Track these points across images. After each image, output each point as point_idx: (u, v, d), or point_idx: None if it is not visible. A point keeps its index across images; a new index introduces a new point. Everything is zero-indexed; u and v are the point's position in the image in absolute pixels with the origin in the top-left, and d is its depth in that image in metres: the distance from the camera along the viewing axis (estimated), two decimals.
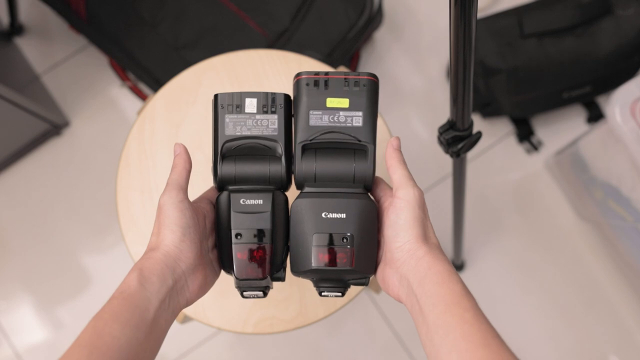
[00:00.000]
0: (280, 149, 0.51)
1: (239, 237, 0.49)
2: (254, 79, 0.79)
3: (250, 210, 0.49)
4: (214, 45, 1.16)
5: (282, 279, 0.52)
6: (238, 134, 0.51)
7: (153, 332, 0.44)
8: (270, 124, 0.51)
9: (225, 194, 0.51)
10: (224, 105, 0.51)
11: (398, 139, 0.51)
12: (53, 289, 1.28)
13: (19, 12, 1.33)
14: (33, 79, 1.34)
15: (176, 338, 1.24)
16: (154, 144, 0.78)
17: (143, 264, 0.46)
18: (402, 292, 0.47)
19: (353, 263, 0.48)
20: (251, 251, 0.49)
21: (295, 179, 0.51)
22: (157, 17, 1.18)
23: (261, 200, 0.50)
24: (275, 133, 0.51)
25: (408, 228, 0.47)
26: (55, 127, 1.30)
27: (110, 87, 1.35)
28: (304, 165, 0.50)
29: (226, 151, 0.51)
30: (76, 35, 1.34)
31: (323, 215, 0.49)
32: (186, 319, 0.80)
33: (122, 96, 1.35)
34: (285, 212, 0.51)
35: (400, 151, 0.51)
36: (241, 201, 0.50)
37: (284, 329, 0.72)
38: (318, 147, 0.50)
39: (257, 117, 0.51)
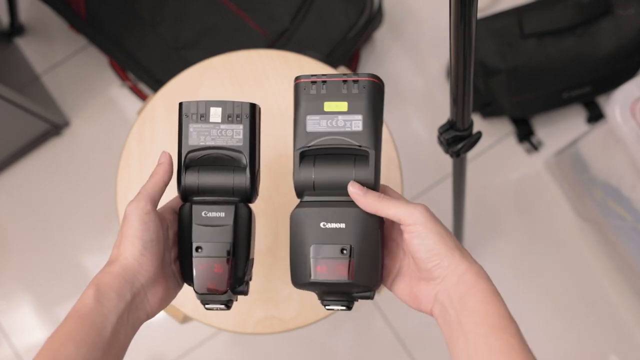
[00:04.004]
0: (244, 160, 0.50)
1: (199, 250, 0.48)
2: (253, 79, 0.79)
3: (211, 223, 0.48)
4: (214, 45, 1.16)
5: (245, 293, 0.51)
6: (202, 143, 0.49)
7: (112, 349, 0.44)
8: (235, 134, 0.49)
9: (187, 205, 0.50)
10: (188, 114, 0.50)
11: (354, 182, 0.47)
12: (53, 289, 1.28)
13: (19, 12, 1.33)
14: (33, 79, 1.34)
15: (176, 338, 1.24)
16: (154, 144, 0.78)
17: (100, 279, 0.45)
18: (437, 307, 0.45)
19: (352, 276, 0.46)
20: (211, 265, 0.48)
21: (295, 187, 0.49)
22: (157, 17, 1.18)
23: (223, 213, 0.48)
24: (240, 144, 0.49)
25: (440, 247, 0.44)
26: (55, 127, 1.30)
27: (110, 87, 1.35)
28: (302, 173, 0.48)
29: (189, 161, 0.50)
30: (76, 35, 1.34)
31: (321, 225, 0.47)
32: (186, 319, 0.80)
33: (122, 96, 1.35)
34: (248, 226, 0.50)
35: (366, 189, 0.47)
36: (203, 213, 0.49)
37: (284, 329, 0.72)
38: (316, 153, 0.49)
39: (222, 126, 0.49)
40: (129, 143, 0.78)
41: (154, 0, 1.18)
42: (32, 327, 1.26)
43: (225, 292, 0.48)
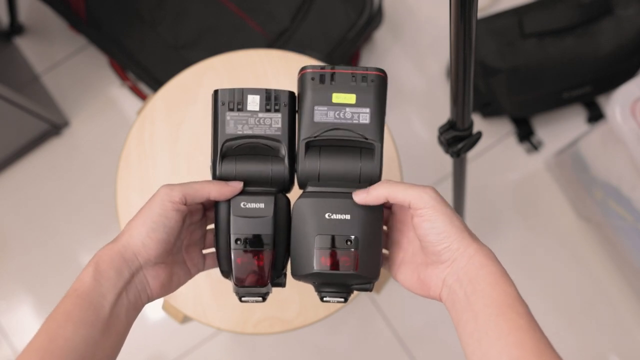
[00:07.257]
0: (283, 149, 0.49)
1: (238, 242, 0.47)
2: (254, 79, 0.79)
3: (250, 214, 0.47)
4: (214, 45, 1.16)
5: (283, 285, 0.51)
6: (239, 132, 0.48)
7: (112, 328, 0.43)
8: (274, 123, 0.48)
9: None
10: (224, 102, 0.49)
11: (354, 193, 0.47)
12: (53, 289, 1.28)
13: (19, 12, 1.33)
14: (33, 79, 1.34)
15: (176, 338, 1.24)
16: (153, 144, 0.78)
17: (101, 257, 0.44)
18: (445, 290, 0.45)
19: (357, 267, 0.47)
20: (251, 258, 0.47)
21: (298, 177, 0.49)
22: (157, 17, 1.18)
23: (263, 204, 0.47)
24: (279, 133, 0.48)
25: (450, 229, 0.45)
26: (55, 127, 1.30)
27: (110, 87, 1.35)
28: (307, 164, 0.48)
29: (226, 150, 0.49)
30: (76, 35, 1.34)
31: (326, 216, 0.47)
32: (186, 319, 0.80)
33: (122, 96, 1.35)
34: (288, 217, 0.49)
35: (367, 188, 0.48)
36: (242, 204, 0.48)
37: (284, 329, 0.72)
38: (322, 144, 0.49)
39: (260, 115, 0.48)
40: (129, 143, 0.78)
41: (154, 0, 1.18)
42: (32, 327, 1.26)
43: (265, 285, 0.47)
